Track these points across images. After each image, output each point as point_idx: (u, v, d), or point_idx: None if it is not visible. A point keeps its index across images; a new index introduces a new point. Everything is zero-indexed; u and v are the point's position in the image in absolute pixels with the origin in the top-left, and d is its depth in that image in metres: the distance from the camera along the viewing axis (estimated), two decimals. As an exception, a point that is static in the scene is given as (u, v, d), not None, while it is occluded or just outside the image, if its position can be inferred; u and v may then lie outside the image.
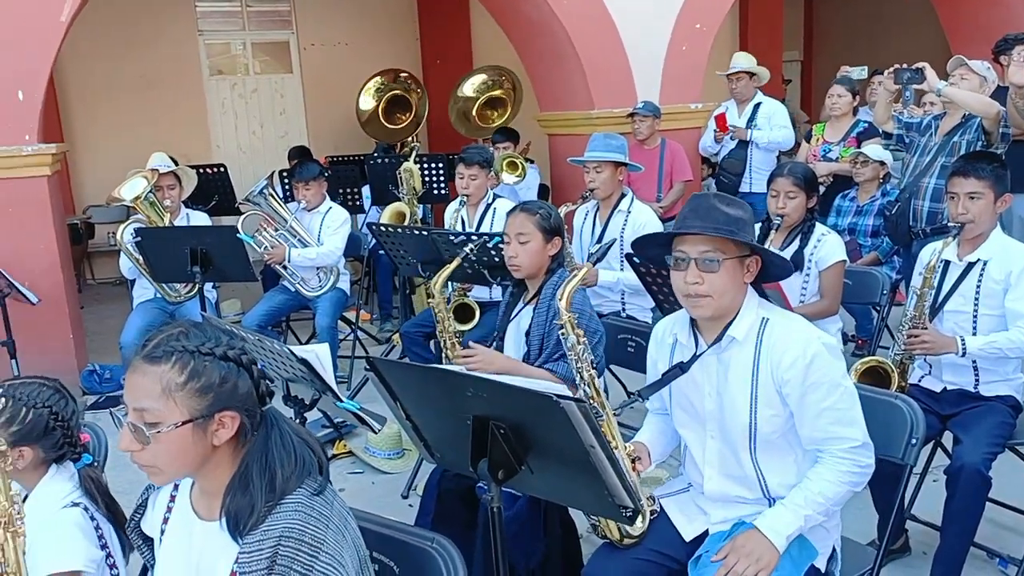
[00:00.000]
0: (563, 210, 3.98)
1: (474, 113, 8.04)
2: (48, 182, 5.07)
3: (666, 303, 3.39)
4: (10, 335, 4.45)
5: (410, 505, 3.62)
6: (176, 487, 1.63)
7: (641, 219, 4.07)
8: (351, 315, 5.50)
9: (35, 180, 4.99)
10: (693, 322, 2.17)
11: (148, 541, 1.65)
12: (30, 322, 4.74)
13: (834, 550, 2.17)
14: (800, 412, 2.02)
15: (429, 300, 4.00)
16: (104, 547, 1.93)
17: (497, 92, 8.11)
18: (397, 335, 5.27)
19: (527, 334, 2.91)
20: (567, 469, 1.80)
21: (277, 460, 1.48)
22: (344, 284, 5.12)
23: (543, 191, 6.89)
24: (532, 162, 6.61)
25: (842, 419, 2.01)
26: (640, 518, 2.10)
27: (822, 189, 5.14)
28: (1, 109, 4.80)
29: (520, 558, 2.52)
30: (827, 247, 3.49)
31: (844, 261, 3.53)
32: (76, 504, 1.91)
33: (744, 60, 6.14)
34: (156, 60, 8.75)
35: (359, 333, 5.40)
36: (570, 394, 1.69)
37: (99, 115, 8.65)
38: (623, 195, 4.18)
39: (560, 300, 2.32)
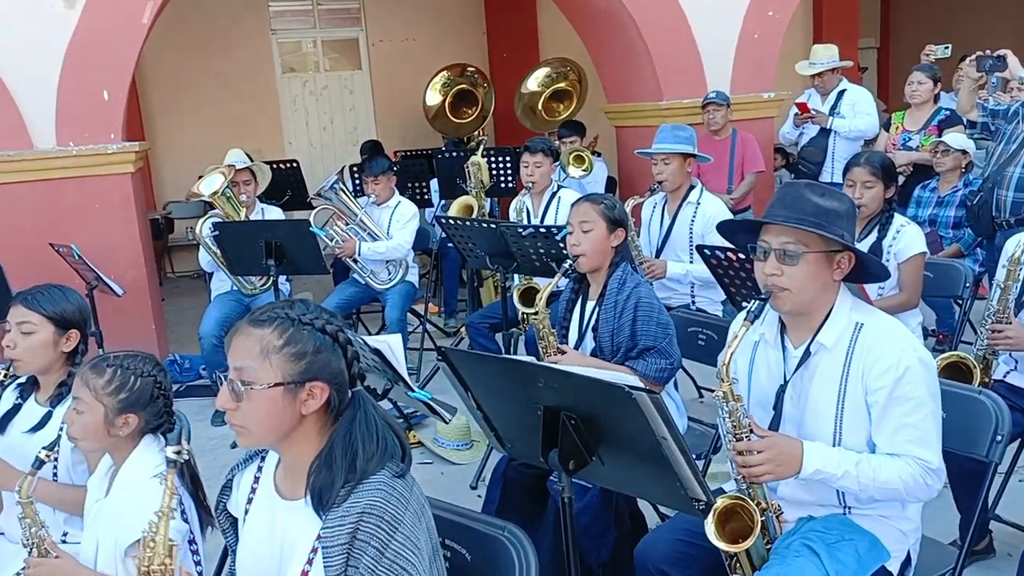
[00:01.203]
0: (630, 203, 3.97)
1: (540, 107, 8.03)
2: (132, 179, 5.25)
3: (738, 295, 3.34)
4: (98, 325, 4.62)
5: (478, 496, 3.64)
6: (260, 468, 1.68)
7: (711, 211, 4.02)
8: (419, 308, 5.57)
9: (119, 177, 5.17)
10: (782, 320, 2.09)
11: (233, 521, 1.70)
12: (115, 313, 4.92)
13: (909, 556, 2.10)
14: (879, 423, 1.95)
15: (529, 315, 4.03)
16: (186, 521, 2.00)
17: (562, 84, 8.09)
18: (463, 327, 5.32)
19: (594, 329, 2.90)
20: (639, 461, 1.80)
21: (360, 440, 1.53)
22: (413, 277, 5.19)
23: (610, 184, 6.85)
24: (599, 155, 6.57)
25: (921, 440, 1.93)
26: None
27: (901, 179, 4.98)
28: (88, 109, 4.99)
29: (590, 550, 2.52)
30: (906, 239, 3.38)
31: (924, 253, 3.42)
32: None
33: (825, 53, 5.94)
34: (231, 59, 8.98)
35: (427, 326, 5.46)
36: (642, 385, 1.69)
37: (177, 114, 8.93)
38: (692, 187, 4.12)
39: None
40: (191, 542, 2.04)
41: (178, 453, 1.50)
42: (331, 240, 4.93)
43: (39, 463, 1.97)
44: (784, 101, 6.46)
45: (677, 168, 4.06)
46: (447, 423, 3.01)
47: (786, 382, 2.05)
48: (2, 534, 2.42)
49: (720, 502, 1.94)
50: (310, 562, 1.51)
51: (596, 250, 2.87)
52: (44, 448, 1.97)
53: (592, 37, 6.65)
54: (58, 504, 2.19)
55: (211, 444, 4.47)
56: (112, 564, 1.92)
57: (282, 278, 4.89)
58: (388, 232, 5.04)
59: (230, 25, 8.95)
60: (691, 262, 4.02)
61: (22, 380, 2.43)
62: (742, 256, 3.17)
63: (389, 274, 5.07)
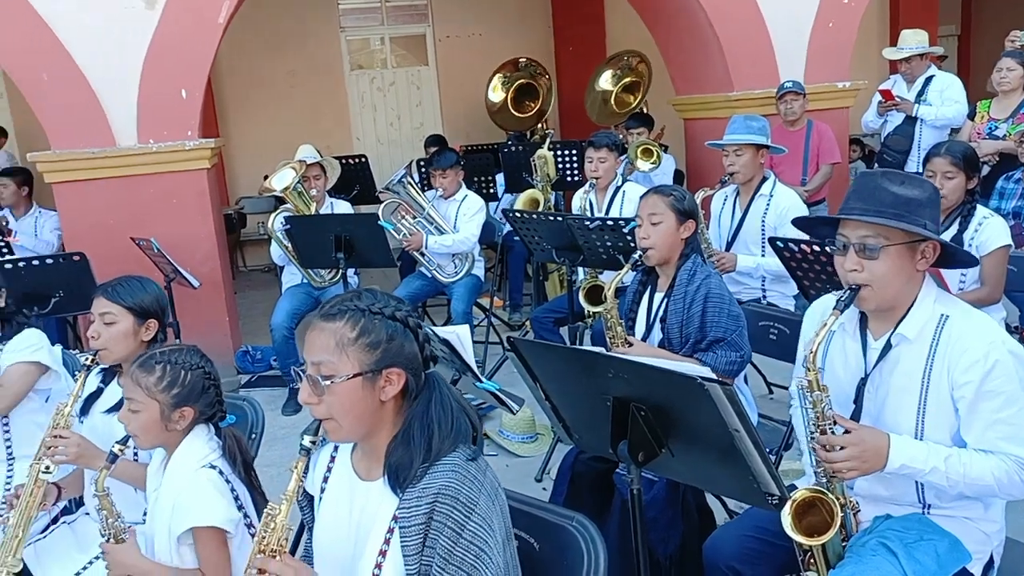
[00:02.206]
0: (700, 195, 3.90)
1: (612, 101, 7.97)
2: (207, 175, 5.39)
3: (812, 289, 3.26)
4: (175, 316, 4.77)
5: (543, 489, 3.65)
6: (336, 448, 1.71)
7: (784, 203, 3.92)
8: (485, 301, 5.59)
9: (196, 173, 5.31)
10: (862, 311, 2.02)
11: (310, 499, 1.73)
12: (191, 305, 5.07)
13: (991, 558, 2.02)
14: (969, 419, 1.87)
15: (595, 312, 4.01)
16: (240, 508, 2.05)
17: (630, 77, 8.01)
18: (528, 321, 5.32)
19: (662, 321, 2.86)
20: (710, 453, 1.77)
21: (436, 421, 1.56)
22: (479, 270, 5.21)
23: (678, 178, 6.75)
24: (666, 148, 6.49)
25: (1015, 436, 1.84)
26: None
27: (986, 169, 4.78)
28: (167, 107, 5.14)
29: (657, 543, 2.50)
30: (989, 231, 3.25)
31: (1008, 246, 3.29)
32: (213, 467, 2.04)
33: (914, 38, 5.74)
34: (301, 57, 9.16)
35: (492, 319, 5.48)
36: (715, 377, 1.66)
37: (249, 111, 9.15)
38: (765, 178, 4.04)
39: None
40: (249, 527, 2.08)
41: (312, 443, 1.54)
42: (398, 234, 4.98)
43: (113, 457, 2.03)
44: (860, 91, 6.27)
45: (750, 159, 3.98)
46: (514, 414, 3.01)
47: (866, 375, 1.99)
48: (87, 514, 2.52)
49: (799, 494, 1.89)
50: (387, 541, 1.53)
51: (665, 243, 2.83)
52: (117, 442, 2.03)
53: (661, 28, 6.56)
54: (138, 482, 2.26)
55: (282, 432, 4.57)
56: (167, 552, 1.98)
57: (350, 271, 4.96)
58: (455, 225, 5.07)
59: (301, 24, 9.12)
60: (762, 256, 3.94)
61: (105, 366, 2.52)
62: (817, 248, 3.09)
63: (455, 267, 5.10)
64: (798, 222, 2.21)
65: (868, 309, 1.96)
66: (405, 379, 1.57)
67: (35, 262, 4.13)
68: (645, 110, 7.65)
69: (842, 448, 1.86)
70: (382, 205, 5.04)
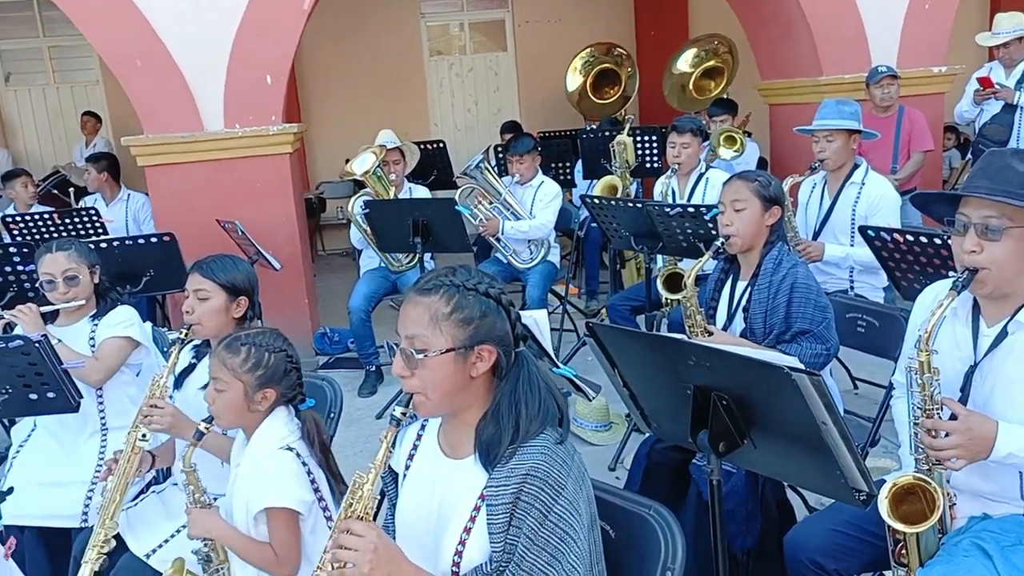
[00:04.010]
0: (788, 181, 3.79)
1: (691, 86, 7.81)
2: (289, 159, 5.50)
3: (903, 281, 3.14)
4: (257, 298, 4.88)
5: (617, 478, 3.62)
6: (423, 426, 1.73)
7: (876, 192, 3.78)
8: (560, 288, 5.57)
9: (279, 158, 5.43)
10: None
11: (394, 476, 1.74)
12: (272, 287, 5.17)
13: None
14: None
15: (673, 300, 3.94)
16: (316, 491, 2.08)
17: (712, 62, 7.83)
18: (604, 309, 5.27)
19: (745, 310, 2.79)
20: (795, 446, 1.71)
21: (524, 400, 1.56)
22: (554, 257, 5.19)
23: (762, 165, 6.58)
24: (750, 135, 6.33)
25: None
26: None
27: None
28: (252, 93, 5.27)
29: (735, 537, 2.44)
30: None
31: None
32: (290, 448, 2.08)
33: (1010, 22, 5.45)
34: (381, 43, 9.25)
35: (567, 307, 5.45)
36: (802, 367, 1.60)
37: (329, 96, 9.29)
38: (856, 166, 3.89)
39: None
40: (324, 509, 2.11)
41: (403, 414, 1.55)
42: (475, 219, 4.99)
43: (200, 434, 2.09)
44: (957, 76, 5.99)
45: (841, 146, 3.84)
46: (591, 401, 2.98)
47: (976, 363, 1.90)
48: (175, 484, 2.61)
49: (900, 479, 1.82)
50: (472, 519, 1.54)
51: (749, 230, 2.75)
52: (203, 421, 2.10)
53: (746, 10, 6.39)
54: (223, 455, 2.32)
55: (358, 414, 4.65)
56: (244, 527, 2.04)
57: (427, 256, 5.00)
58: (531, 211, 5.05)
59: (381, 10, 9.21)
60: (851, 246, 3.80)
61: (197, 342, 2.60)
62: (911, 238, 2.97)
63: (531, 253, 5.09)
64: (916, 198, 2.11)
65: (983, 294, 1.88)
66: (496, 356, 1.57)
67: (128, 242, 4.29)
68: (726, 96, 7.47)
69: (948, 435, 1.79)
70: (459, 190, 5.06)
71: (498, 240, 5.03)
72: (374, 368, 5.03)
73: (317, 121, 9.24)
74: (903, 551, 1.89)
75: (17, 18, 8.85)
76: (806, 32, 5.79)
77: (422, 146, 6.28)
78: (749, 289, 2.76)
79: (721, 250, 2.81)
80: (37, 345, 2.40)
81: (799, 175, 4.05)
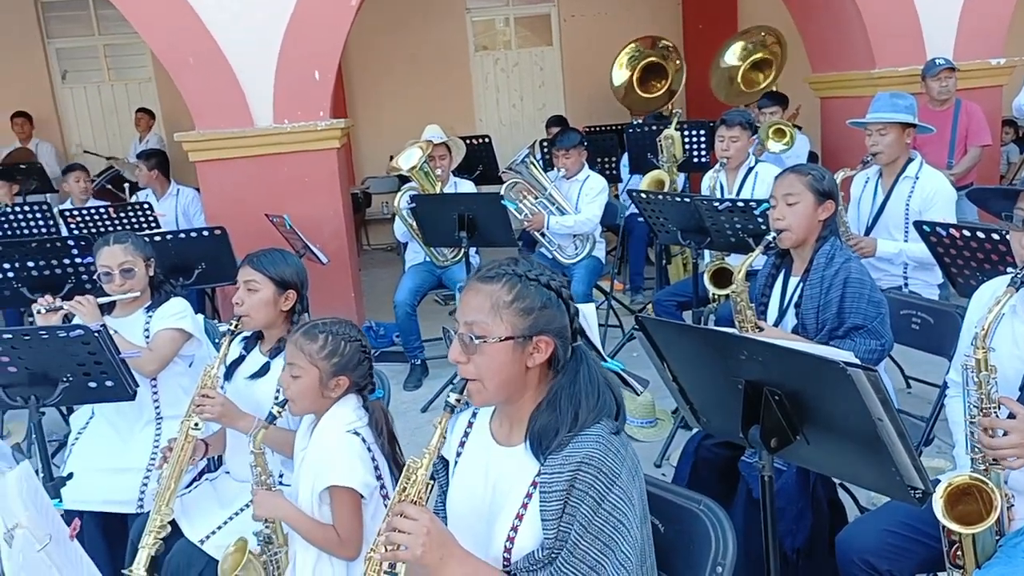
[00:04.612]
0: (840, 175, 3.72)
1: (739, 79, 7.71)
2: (337, 155, 5.56)
3: (959, 277, 3.06)
4: (306, 292, 4.95)
5: (662, 475, 3.59)
6: (474, 414, 1.74)
7: (931, 186, 3.70)
8: (605, 284, 5.54)
9: (326, 153, 5.49)
10: None
11: (445, 464, 1.76)
12: (319, 281, 5.20)
13: None
14: None
15: (721, 295, 3.90)
16: (379, 477, 2.12)
17: (760, 54, 7.71)
18: (649, 305, 5.24)
19: (797, 306, 2.74)
20: (849, 442, 1.68)
21: (583, 393, 1.56)
22: (600, 252, 5.16)
23: (812, 159, 6.47)
24: (800, 129, 6.23)
25: None
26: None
27: None
28: (300, 88, 5.33)
29: (785, 535, 2.41)
30: None
31: None
32: (357, 433, 2.12)
33: None
34: (427, 39, 9.30)
35: (612, 302, 5.42)
36: (857, 361, 1.57)
37: (375, 92, 9.36)
38: (910, 160, 3.81)
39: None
40: (385, 497, 2.15)
41: (457, 401, 1.57)
42: (520, 213, 4.99)
43: (272, 417, 2.15)
44: (1016, 68, 5.82)
45: (895, 139, 3.76)
46: (638, 395, 2.97)
47: None
48: (227, 472, 2.66)
49: (956, 479, 1.78)
50: (525, 506, 1.54)
51: (802, 224, 2.70)
52: (276, 404, 2.14)
53: (797, 2, 6.29)
54: (278, 447, 2.37)
55: (403, 407, 4.68)
56: (309, 509, 2.09)
57: (472, 250, 5.02)
58: (576, 206, 5.03)
59: (426, 5, 9.25)
60: (905, 241, 3.72)
61: (247, 334, 2.64)
62: (967, 233, 2.90)
63: (576, 248, 5.08)
64: (973, 193, 2.06)
65: None
66: (553, 348, 1.57)
67: (180, 235, 4.37)
68: (775, 89, 7.36)
69: (1005, 433, 1.74)
70: (505, 184, 5.06)
71: (543, 235, 5.02)
72: (419, 362, 5.06)
73: (363, 117, 9.32)
74: (958, 552, 1.85)
75: (73, 17, 9.08)
76: (859, 24, 5.67)
77: (468, 141, 6.30)
78: (801, 284, 2.72)
79: (772, 245, 2.77)
80: (97, 335, 2.46)
81: (851, 169, 3.97)
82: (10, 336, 2.47)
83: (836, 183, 2.84)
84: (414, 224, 4.90)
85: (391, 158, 7.56)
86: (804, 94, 6.73)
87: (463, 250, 4.77)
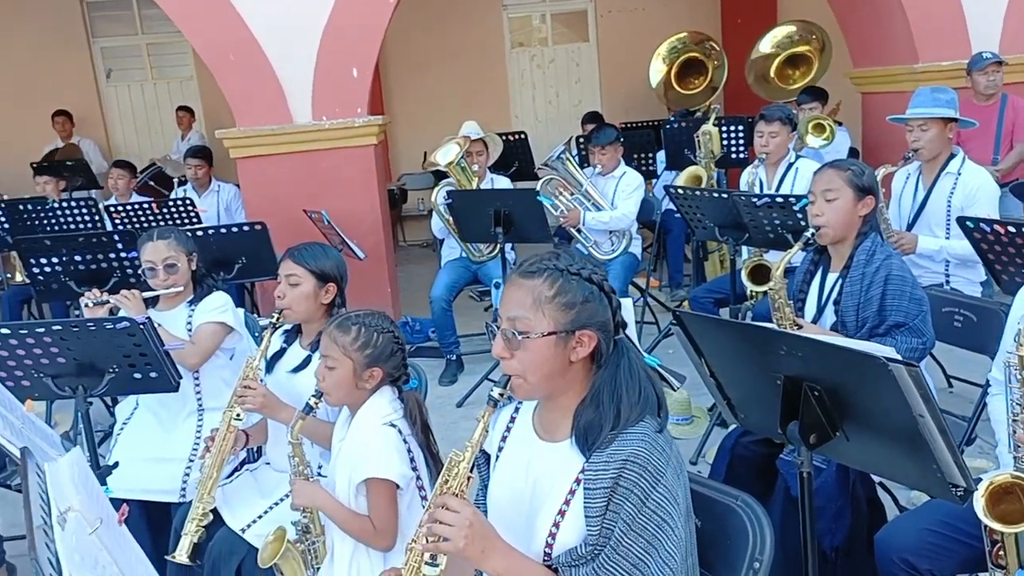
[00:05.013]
0: (881, 171, 3.68)
1: (772, 73, 7.61)
2: (374, 151, 5.61)
3: (1004, 275, 3.01)
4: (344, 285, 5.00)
5: (698, 472, 3.57)
6: (517, 409, 1.74)
7: (974, 182, 3.63)
8: (641, 281, 5.52)
9: (364, 149, 5.53)
10: None
11: (487, 458, 1.77)
12: (356, 276, 5.17)
13: None
14: None
15: (758, 292, 3.87)
16: (414, 469, 2.15)
17: (801, 48, 7.61)
18: (686, 301, 5.21)
19: (836, 303, 2.71)
20: (890, 439, 1.67)
21: (624, 387, 1.56)
22: (636, 249, 5.15)
23: (852, 155, 6.38)
24: (840, 124, 6.15)
25: None
26: None
27: None
28: (339, 85, 5.38)
29: (823, 533, 2.39)
30: None
31: None
32: (393, 425, 2.15)
33: None
34: (463, 36, 9.32)
35: (648, 299, 5.40)
36: (899, 358, 1.55)
37: (411, 89, 9.42)
38: (952, 155, 3.74)
39: None
40: (420, 488, 2.17)
41: (501, 395, 1.58)
42: (556, 209, 4.99)
43: (309, 408, 2.18)
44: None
45: (936, 135, 3.69)
46: (674, 392, 2.96)
47: None
48: (268, 463, 2.71)
49: (998, 477, 1.76)
50: (568, 502, 1.55)
51: (841, 220, 2.67)
52: (313, 396, 2.18)
53: (838, -3, 6.21)
54: (316, 438, 2.40)
55: (439, 402, 4.71)
56: (345, 500, 2.12)
57: (508, 246, 5.03)
58: (612, 202, 5.02)
59: (464, 3, 9.27)
60: (946, 238, 3.66)
61: (287, 327, 2.69)
62: (1012, 229, 2.84)
63: (612, 244, 5.06)
64: (1017, 189, 2.03)
65: None
66: (596, 342, 1.57)
67: (222, 230, 4.44)
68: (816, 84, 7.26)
69: None
70: (541, 180, 5.06)
71: (579, 231, 5.02)
72: (455, 357, 5.09)
73: (399, 113, 9.38)
74: (1000, 552, 1.82)
75: (118, 16, 9.26)
76: (901, 17, 5.58)
77: (504, 137, 6.31)
78: (840, 281, 2.69)
79: (811, 241, 2.74)
80: (142, 327, 2.52)
81: (892, 165, 3.91)
82: (59, 327, 2.53)
83: (876, 178, 2.80)
84: (450, 219, 4.93)
85: (424, 156, 7.60)
86: (844, 89, 6.64)
87: (499, 246, 4.79)
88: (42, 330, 2.51)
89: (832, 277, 2.75)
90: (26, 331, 2.52)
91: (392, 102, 9.41)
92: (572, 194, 5.05)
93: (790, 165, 4.35)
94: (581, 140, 6.42)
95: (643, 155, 6.36)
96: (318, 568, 2.22)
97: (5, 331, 2.51)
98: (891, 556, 2.00)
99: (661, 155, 6.36)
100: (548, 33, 9.76)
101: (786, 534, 2.31)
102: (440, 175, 5.90)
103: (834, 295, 2.71)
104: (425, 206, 8.97)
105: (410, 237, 9.71)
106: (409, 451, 2.15)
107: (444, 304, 4.97)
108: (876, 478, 2.59)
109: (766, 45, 7.71)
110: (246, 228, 4.43)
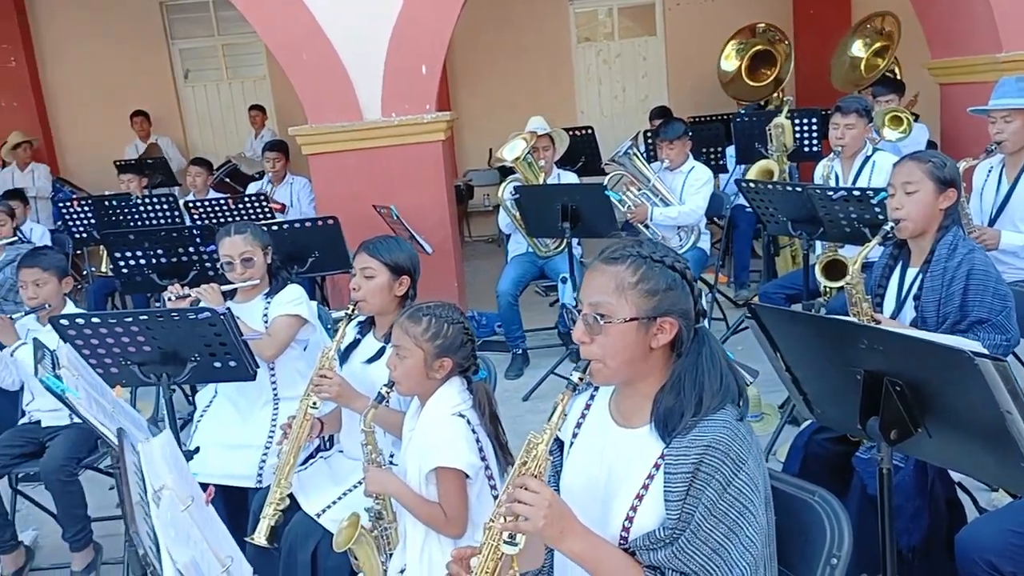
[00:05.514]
0: (963, 165, 3.55)
1: (862, 67, 7.44)
2: (442, 147, 5.66)
3: (1095, 270, 2.88)
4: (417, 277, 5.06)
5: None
6: (592, 397, 1.75)
7: (1062, 174, 3.49)
8: (709, 276, 5.45)
9: (432, 145, 5.59)
10: None
11: (560, 445, 1.77)
12: (424, 270, 5.21)
13: None
14: None
15: (832, 288, 3.80)
16: (483, 458, 2.17)
17: (880, 43, 7.42)
18: (756, 297, 5.13)
19: (916, 298, 2.64)
20: (974, 436, 1.63)
21: (706, 375, 1.57)
22: (704, 244, 5.09)
23: (930, 148, 6.19)
24: (917, 117, 5.96)
25: None
26: None
27: None
28: (409, 82, 5.45)
29: (901, 533, 2.34)
30: None
31: None
32: (462, 416, 2.18)
33: None
34: (530, 31, 9.34)
35: (716, 295, 5.34)
36: (985, 352, 1.51)
37: (476, 85, 9.47)
38: (1038, 147, 3.60)
39: None
40: (489, 478, 2.19)
41: (580, 379, 1.60)
42: (623, 205, 4.97)
43: (381, 397, 2.23)
44: None
45: (1020, 127, 3.56)
46: (748, 384, 2.92)
47: None
48: (341, 451, 2.77)
49: None
50: (646, 487, 1.55)
51: (922, 214, 2.61)
52: (385, 385, 2.22)
53: (916, -14, 6.02)
54: (388, 427, 2.45)
55: (505, 395, 4.74)
56: (417, 486, 2.16)
57: (575, 241, 5.03)
58: (681, 197, 4.98)
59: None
60: (1033, 233, 3.53)
61: (362, 319, 2.74)
62: (1104, 223, 2.72)
63: (680, 240, 5.02)
64: None
65: None
66: (677, 329, 1.58)
67: (296, 225, 4.55)
68: (899, 74, 7.06)
69: None
70: (608, 176, 5.05)
71: (646, 226, 4.98)
72: (521, 351, 5.12)
73: (464, 109, 9.44)
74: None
75: (195, 19, 9.56)
76: (984, 5, 5.38)
77: (570, 132, 6.31)
78: (920, 276, 2.62)
79: (890, 235, 2.68)
80: (223, 317, 2.60)
81: (973, 158, 3.78)
82: (146, 317, 2.64)
83: (958, 170, 2.72)
84: (518, 215, 4.95)
85: (489, 152, 7.65)
86: (921, 81, 6.43)
87: (565, 240, 4.79)
88: (130, 319, 2.62)
89: (912, 272, 2.68)
90: (115, 320, 2.63)
91: (458, 98, 9.48)
92: (639, 189, 5.02)
93: (867, 158, 4.24)
94: (648, 135, 6.37)
95: (712, 149, 6.28)
96: (390, 554, 2.26)
97: (96, 320, 2.63)
98: (973, 557, 1.95)
99: (731, 149, 6.27)
100: (614, 27, 9.70)
101: (861, 533, 2.27)
102: (505, 171, 5.93)
103: (914, 290, 2.64)
104: (490, 202, 9.02)
105: (475, 232, 9.78)
106: (478, 441, 2.17)
107: (511, 298, 5.00)
108: (956, 477, 2.52)
109: (856, 50, 7.55)
110: (319, 223, 4.52)
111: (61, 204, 6.00)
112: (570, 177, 5.33)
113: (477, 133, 9.33)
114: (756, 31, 8.19)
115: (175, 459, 1.49)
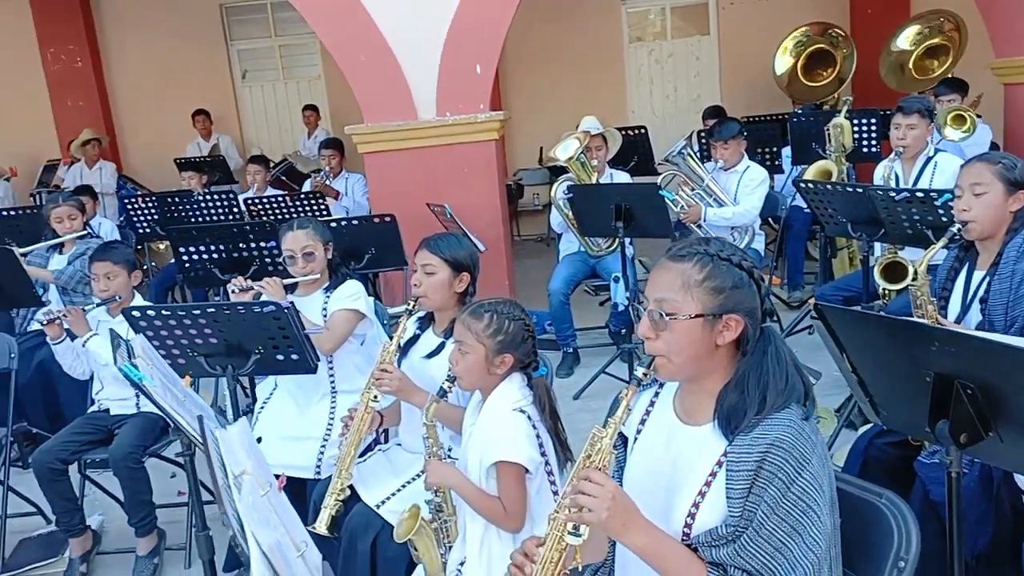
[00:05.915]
0: (1031, 165, 3.47)
1: (911, 65, 7.29)
2: (495, 146, 5.69)
3: None
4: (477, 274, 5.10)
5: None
6: (657, 393, 1.77)
7: None
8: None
9: (485, 144, 5.62)
10: None
11: (624, 440, 1.79)
12: None
13: None
14: None
15: (891, 291, 3.73)
16: (543, 454, 2.19)
17: (936, 40, 7.25)
18: (811, 299, 5.06)
19: (983, 301, 2.60)
20: (1050, 442, 1.59)
21: (771, 374, 1.57)
22: (758, 245, 5.05)
23: (993, 150, 6.04)
24: (980, 117, 5.82)
25: None
26: None
27: None
28: (464, 82, 5.48)
29: (964, 540, 2.29)
30: None
31: None
32: (523, 411, 2.20)
33: None
34: (581, 32, 9.32)
35: (770, 297, 5.28)
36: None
37: (527, 85, 9.49)
38: (1112, 148, 3.50)
39: None
40: (549, 474, 2.21)
41: (645, 375, 1.61)
42: (676, 205, 4.94)
43: (442, 392, 2.26)
44: None
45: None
46: (813, 384, 2.90)
47: None
48: (399, 444, 2.82)
49: None
50: (708, 484, 1.56)
51: (990, 215, 2.56)
52: (447, 380, 2.26)
53: (979, -17, 5.88)
54: (448, 422, 2.48)
55: (556, 393, 4.72)
56: (477, 480, 2.19)
57: (626, 241, 5.02)
58: (735, 198, 4.94)
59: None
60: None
61: (421, 314, 2.78)
62: None
63: (733, 240, 4.97)
64: None
65: None
66: (743, 327, 1.58)
67: (354, 222, 4.63)
68: (954, 76, 6.90)
69: None
70: (662, 176, 5.03)
71: (699, 227, 4.95)
72: (572, 350, 5.12)
73: (514, 109, 9.44)
74: None
75: (253, 20, 9.75)
76: (1052, 2, 5.25)
77: (623, 132, 6.29)
78: (988, 279, 2.57)
79: (957, 237, 2.63)
80: (286, 310, 2.67)
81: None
82: (213, 310, 2.72)
83: (1030, 173, 2.66)
84: (570, 214, 4.96)
85: (541, 150, 7.65)
86: (985, 81, 6.28)
87: (618, 240, 4.78)
88: (198, 312, 2.70)
89: (979, 275, 2.64)
90: (184, 312, 2.71)
91: (509, 98, 9.50)
92: (693, 190, 4.99)
93: (928, 159, 4.16)
94: (703, 135, 6.33)
95: (767, 149, 6.22)
96: (450, 546, 2.29)
97: (166, 312, 2.71)
98: (1043, 565, 1.91)
99: (786, 150, 6.19)
100: (667, 27, 9.64)
101: (924, 540, 2.24)
102: (556, 170, 5.93)
103: (980, 292, 2.59)
104: (540, 201, 9.03)
105: (525, 231, 9.79)
106: (538, 436, 2.20)
107: (562, 297, 5.01)
108: (1022, 485, 2.47)
109: (903, 42, 7.40)
110: (376, 220, 4.59)
111: (127, 200, 6.19)
112: (623, 177, 5.33)
113: (527, 132, 9.35)
114: (824, 31, 8.06)
115: (252, 446, 1.53)
